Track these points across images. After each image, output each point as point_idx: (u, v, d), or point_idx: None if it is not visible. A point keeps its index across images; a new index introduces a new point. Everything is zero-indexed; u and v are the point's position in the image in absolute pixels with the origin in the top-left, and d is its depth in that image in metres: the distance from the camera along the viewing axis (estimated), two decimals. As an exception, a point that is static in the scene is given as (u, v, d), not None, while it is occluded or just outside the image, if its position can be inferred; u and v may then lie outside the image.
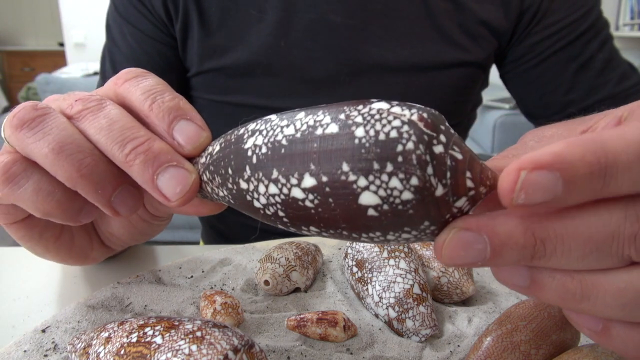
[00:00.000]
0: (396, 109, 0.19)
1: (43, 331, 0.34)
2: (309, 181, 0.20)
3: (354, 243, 0.39)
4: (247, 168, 0.22)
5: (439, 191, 0.18)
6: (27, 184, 0.25)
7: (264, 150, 0.21)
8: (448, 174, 0.18)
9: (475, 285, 0.37)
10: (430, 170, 0.18)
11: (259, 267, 0.40)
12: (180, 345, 0.25)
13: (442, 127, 0.19)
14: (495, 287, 0.41)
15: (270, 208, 0.21)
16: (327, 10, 0.54)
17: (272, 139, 0.21)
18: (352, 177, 0.18)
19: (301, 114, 0.21)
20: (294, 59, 0.55)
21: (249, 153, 0.22)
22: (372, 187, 0.18)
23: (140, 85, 0.26)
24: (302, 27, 0.54)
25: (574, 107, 0.59)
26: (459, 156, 0.19)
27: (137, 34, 0.59)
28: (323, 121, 0.20)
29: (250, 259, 0.45)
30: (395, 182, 0.18)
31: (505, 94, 1.90)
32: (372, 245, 0.38)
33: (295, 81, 0.55)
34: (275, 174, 0.21)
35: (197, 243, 0.77)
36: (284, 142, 0.21)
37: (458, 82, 0.58)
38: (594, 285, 0.18)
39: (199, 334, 0.25)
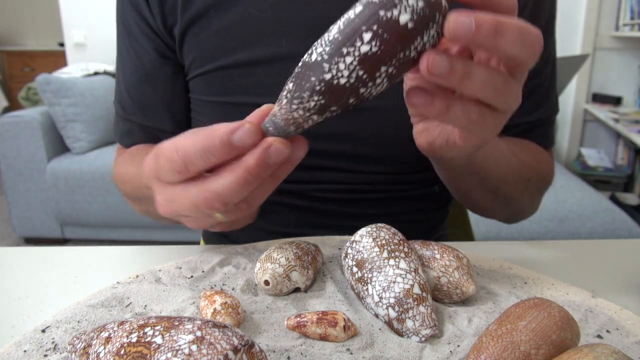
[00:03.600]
0: None
1: (43, 331, 0.34)
2: (367, 35, 0.29)
3: (354, 243, 0.39)
4: (324, 64, 0.30)
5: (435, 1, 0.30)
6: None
7: (328, 43, 0.30)
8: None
9: (475, 285, 0.37)
10: None
11: (259, 267, 0.40)
12: (180, 346, 0.25)
13: None
14: (495, 287, 0.41)
15: (353, 74, 0.30)
16: (329, 7, 0.53)
17: (327, 39, 0.30)
18: (388, 13, 0.29)
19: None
20: (295, 58, 0.54)
21: (316, 58, 0.31)
22: (402, 10, 0.28)
23: (192, 156, 0.33)
24: (303, 25, 0.54)
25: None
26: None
27: (139, 49, 0.59)
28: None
29: (250, 259, 0.45)
30: (411, 1, 0.29)
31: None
32: (373, 245, 0.38)
33: None
34: (344, 49, 0.29)
35: (197, 243, 0.77)
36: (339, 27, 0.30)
37: None
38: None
39: (199, 334, 0.25)
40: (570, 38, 2.64)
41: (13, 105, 4.71)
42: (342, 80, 0.30)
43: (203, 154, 0.32)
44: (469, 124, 0.33)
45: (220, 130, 0.32)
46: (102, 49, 3.09)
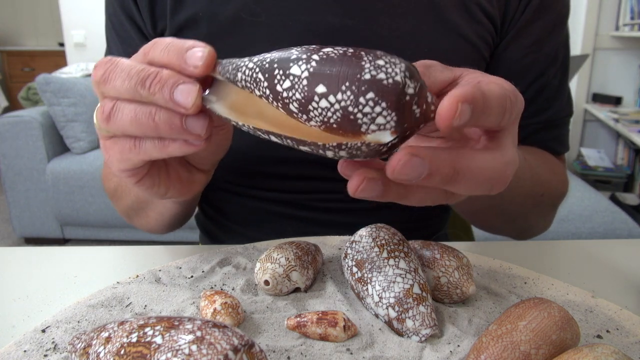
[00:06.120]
0: None
1: (43, 331, 0.34)
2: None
3: (354, 243, 0.39)
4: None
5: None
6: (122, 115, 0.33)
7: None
8: None
9: (475, 285, 0.37)
10: None
11: (259, 267, 0.40)
12: (180, 346, 0.25)
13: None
14: (495, 287, 0.41)
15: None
16: (325, 12, 0.52)
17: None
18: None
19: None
20: None
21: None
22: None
23: (158, 47, 0.34)
24: (299, 31, 0.53)
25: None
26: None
27: (131, 54, 0.58)
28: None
29: (250, 259, 0.45)
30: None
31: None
32: (372, 245, 0.38)
33: None
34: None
35: (197, 243, 0.77)
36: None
37: None
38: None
39: (199, 334, 0.25)
40: (570, 38, 2.64)
41: (13, 105, 4.71)
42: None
43: (165, 49, 0.33)
44: (435, 200, 0.31)
45: (188, 43, 0.33)
46: (102, 49, 3.08)
